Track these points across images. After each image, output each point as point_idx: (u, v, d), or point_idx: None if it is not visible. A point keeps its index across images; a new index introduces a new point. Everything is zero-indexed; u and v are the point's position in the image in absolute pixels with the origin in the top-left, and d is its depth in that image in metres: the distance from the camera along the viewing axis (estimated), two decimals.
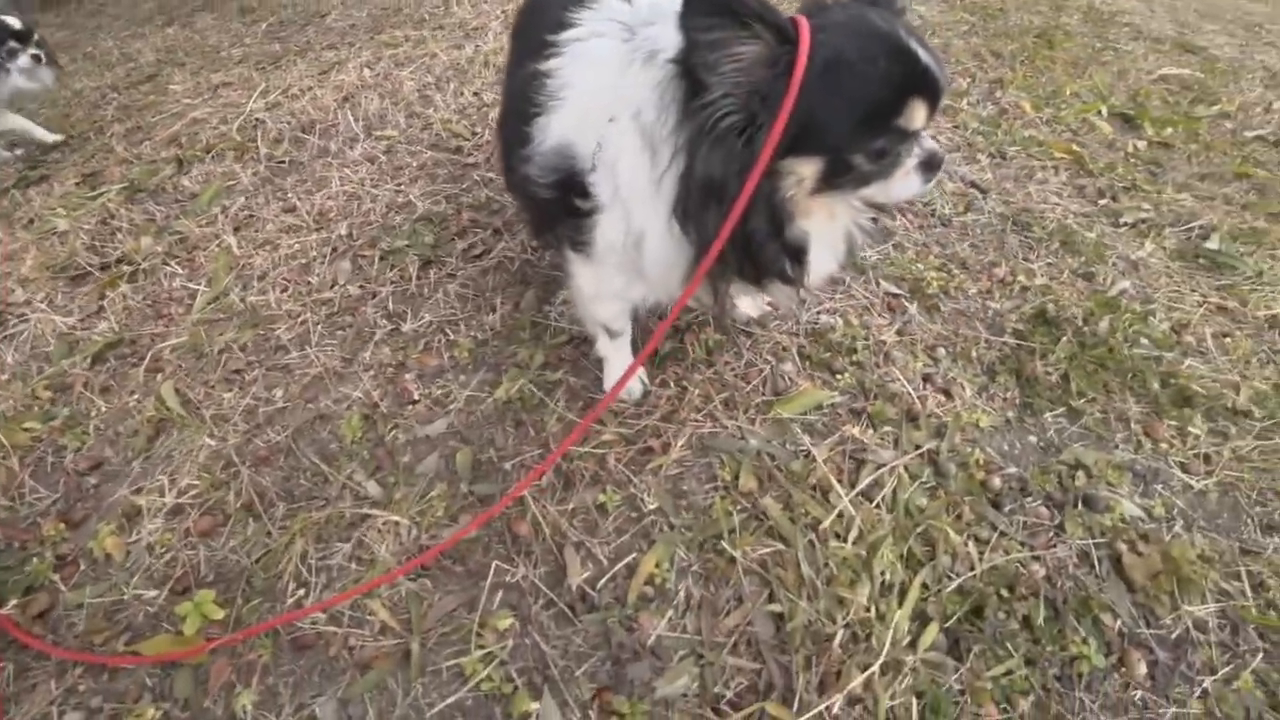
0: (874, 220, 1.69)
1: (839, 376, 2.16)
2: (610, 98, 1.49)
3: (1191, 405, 2.14)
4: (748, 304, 2.25)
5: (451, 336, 2.25)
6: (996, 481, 1.92)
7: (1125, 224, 2.86)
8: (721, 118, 1.27)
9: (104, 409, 2.30)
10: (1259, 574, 1.79)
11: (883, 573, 1.70)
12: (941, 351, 2.26)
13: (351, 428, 2.00)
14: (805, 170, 1.34)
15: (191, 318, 2.59)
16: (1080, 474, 1.96)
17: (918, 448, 1.98)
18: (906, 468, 1.92)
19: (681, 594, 1.65)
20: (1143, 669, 1.61)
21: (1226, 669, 1.63)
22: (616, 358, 2.01)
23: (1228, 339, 2.38)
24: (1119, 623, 1.68)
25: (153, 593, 1.76)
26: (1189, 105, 3.72)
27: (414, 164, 3.19)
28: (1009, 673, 1.57)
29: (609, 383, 2.03)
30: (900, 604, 1.65)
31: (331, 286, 2.54)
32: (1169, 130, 3.46)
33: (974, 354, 2.26)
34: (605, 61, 1.53)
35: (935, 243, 2.68)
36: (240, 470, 1.98)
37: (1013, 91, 3.68)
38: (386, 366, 2.19)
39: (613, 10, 1.62)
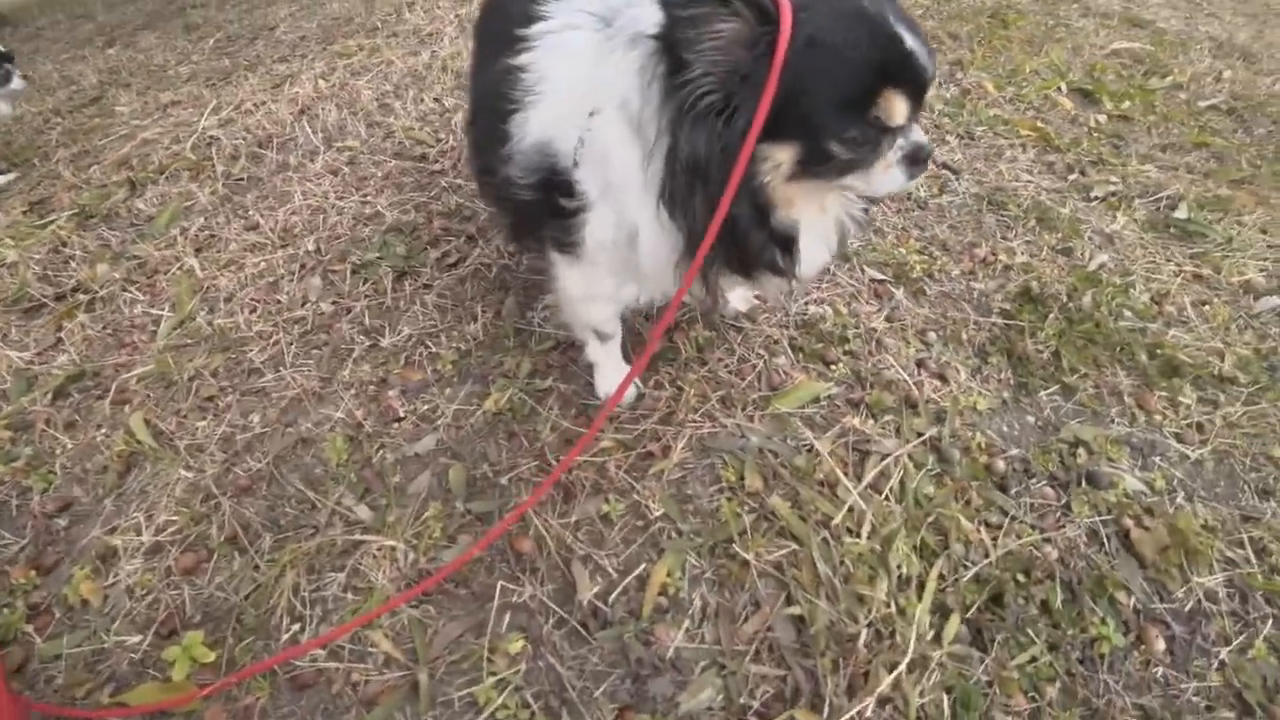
0: (865, 211, 1.62)
1: (833, 367, 2.10)
2: (590, 89, 1.41)
3: (1180, 375, 2.12)
4: (738, 298, 2.18)
5: (433, 349, 2.14)
6: (1000, 464, 1.88)
7: (1096, 198, 2.84)
8: (701, 96, 1.20)
9: (70, 446, 2.16)
10: (1260, 539, 1.77)
11: (899, 566, 1.64)
12: (932, 336, 2.22)
13: (336, 450, 1.89)
14: (781, 155, 1.28)
15: (157, 345, 2.45)
16: (1081, 451, 1.92)
17: (919, 435, 1.93)
18: (911, 456, 1.87)
19: (697, 602, 1.57)
20: (1161, 645, 1.58)
21: (1240, 639, 1.61)
22: (607, 362, 1.93)
23: (1206, 306, 2.37)
24: (1134, 600, 1.64)
25: (136, 638, 1.64)
26: (1143, 78, 3.73)
27: (379, 174, 3.07)
28: (1033, 660, 1.52)
29: (601, 388, 1.94)
30: (919, 597, 1.59)
31: (303, 304, 2.42)
32: (1126, 104, 3.47)
33: (964, 336, 2.22)
34: (582, 53, 1.45)
35: (914, 226, 2.63)
36: (221, 502, 1.86)
37: (973, 72, 3.66)
38: (368, 384, 2.08)
39: (584, 1, 1.54)
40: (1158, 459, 1.92)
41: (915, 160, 1.32)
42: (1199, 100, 3.56)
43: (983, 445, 1.92)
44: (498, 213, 1.79)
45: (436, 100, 3.61)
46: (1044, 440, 1.97)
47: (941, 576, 1.64)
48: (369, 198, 2.91)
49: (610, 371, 1.94)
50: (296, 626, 1.60)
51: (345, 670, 1.52)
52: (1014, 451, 1.91)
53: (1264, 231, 2.67)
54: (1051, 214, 2.71)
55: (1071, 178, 2.95)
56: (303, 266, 2.61)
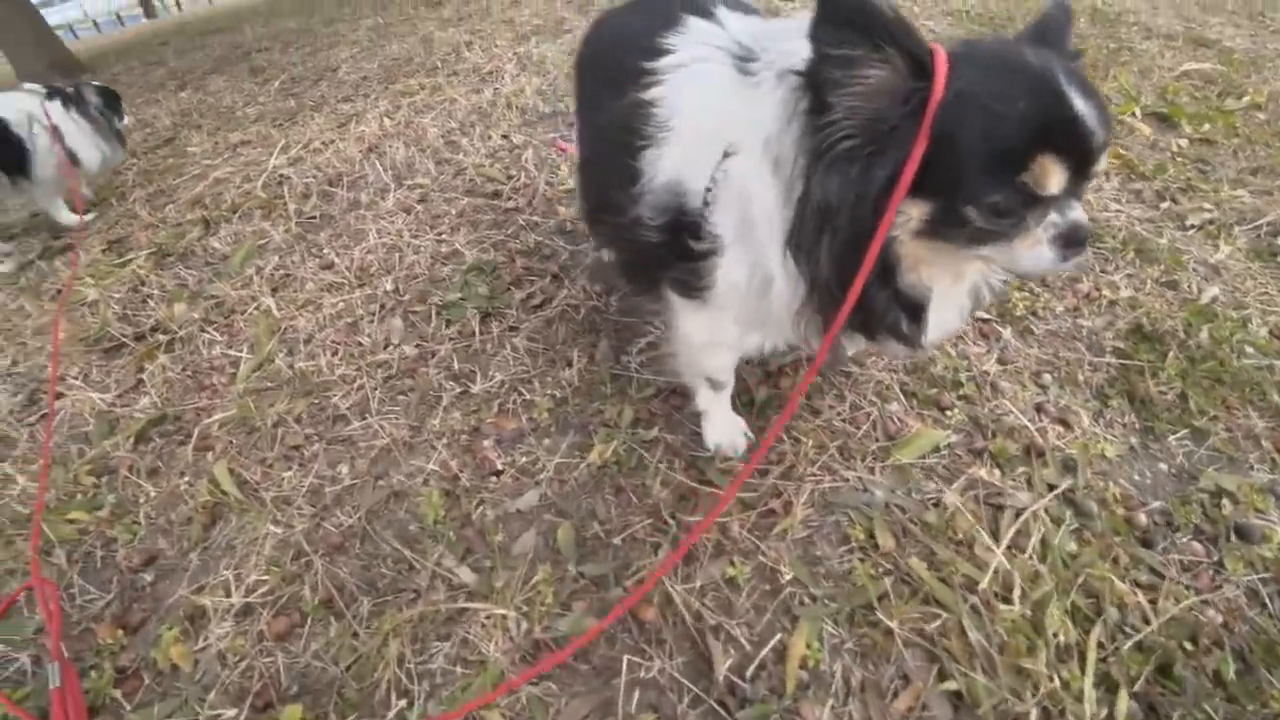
0: (1005, 282, 1.42)
1: (948, 413, 1.90)
2: (724, 126, 1.25)
3: None
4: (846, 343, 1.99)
5: (527, 395, 1.97)
6: (1142, 518, 1.66)
7: (1192, 226, 2.62)
8: (838, 140, 1.03)
9: (153, 494, 2.02)
10: None
11: (1055, 634, 1.43)
12: (1048, 378, 2.01)
13: (432, 505, 1.72)
14: (910, 210, 1.08)
15: (237, 388, 2.31)
16: (1225, 501, 1.70)
17: (1050, 487, 1.72)
18: (1047, 510, 1.66)
19: (839, 676, 1.37)
20: None
21: None
22: (718, 411, 1.75)
23: None
24: None
25: (231, 711, 1.48)
26: (1218, 99, 3.50)
27: (452, 211, 2.93)
28: None
29: (711, 438, 1.76)
30: (1081, 669, 1.38)
31: (385, 347, 2.27)
32: (1207, 126, 3.24)
33: (1081, 378, 2.01)
34: (715, 88, 1.29)
35: None
36: (313, 560, 1.70)
37: None
38: (459, 433, 1.91)
39: (708, 34, 1.38)
40: None
41: (1070, 241, 1.07)
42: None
43: (1118, 496, 1.71)
44: (614, 254, 1.62)
45: (504, 137, 3.48)
46: (1182, 490, 1.75)
47: (1100, 645, 1.43)
48: (445, 236, 2.77)
49: (720, 421, 1.76)
50: (403, 703, 1.42)
51: None
52: (1155, 504, 1.70)
53: None
54: (1150, 245, 2.49)
55: (1163, 206, 2.73)
56: (382, 307, 2.46)
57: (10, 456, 2.28)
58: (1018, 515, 1.64)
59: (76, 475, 2.13)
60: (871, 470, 1.74)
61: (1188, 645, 1.44)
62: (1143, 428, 1.89)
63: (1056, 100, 0.98)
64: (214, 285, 2.86)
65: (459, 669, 1.45)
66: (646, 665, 1.40)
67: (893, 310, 1.22)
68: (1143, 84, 3.64)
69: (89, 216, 3.87)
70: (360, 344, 2.32)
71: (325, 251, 2.91)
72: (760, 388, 1.92)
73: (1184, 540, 1.64)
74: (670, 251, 1.39)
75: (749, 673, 1.38)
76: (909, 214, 1.09)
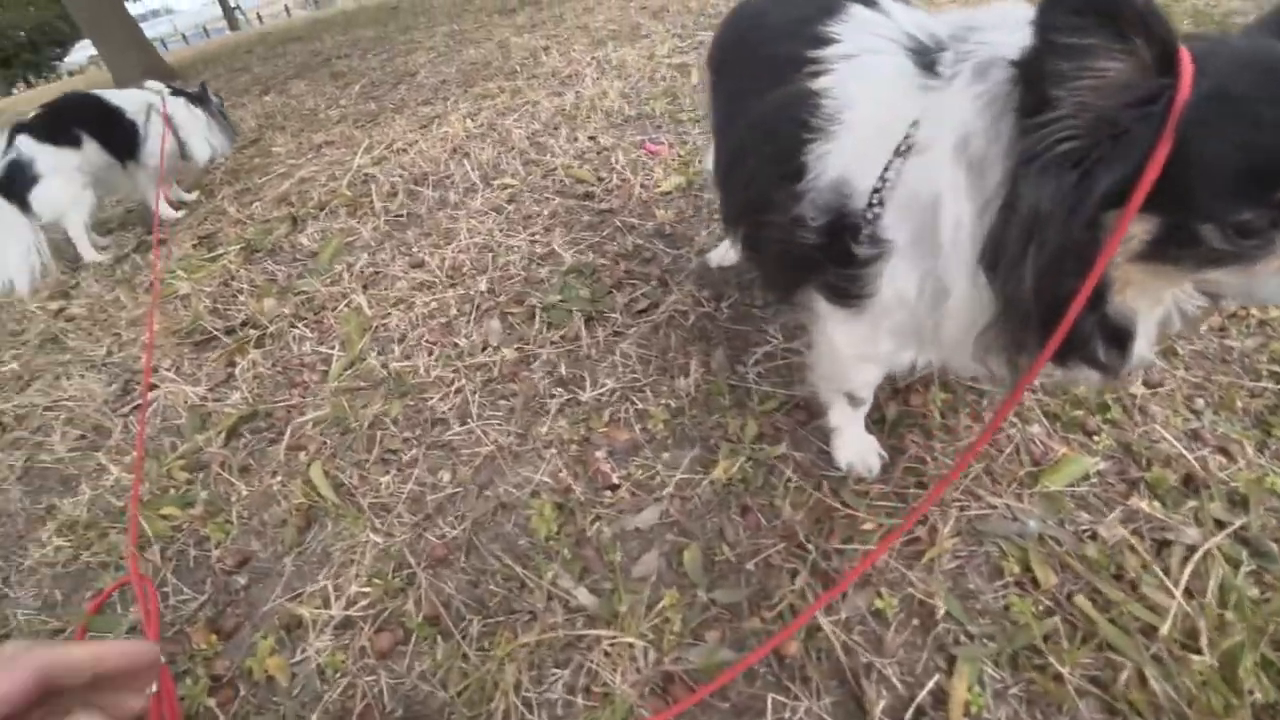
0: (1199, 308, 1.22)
1: (1095, 438, 1.70)
2: (903, 122, 1.08)
3: None
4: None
5: (639, 405, 1.82)
6: None
7: None
8: (1057, 141, 0.85)
9: (245, 493, 1.92)
10: None
11: (1250, 691, 1.23)
12: (1200, 402, 1.79)
13: (544, 519, 1.58)
14: (1133, 228, 0.90)
15: (329, 386, 2.21)
16: None
17: (1219, 523, 1.51)
18: (1220, 549, 1.45)
19: None
20: None
21: None
22: (851, 429, 1.58)
23: None
24: None
25: None
26: None
27: (544, 212, 2.80)
28: None
29: (842, 457, 1.59)
30: None
31: (484, 349, 2.14)
32: None
33: (1238, 404, 1.79)
34: (892, 81, 1.12)
35: None
36: (416, 573, 1.57)
37: None
38: (569, 443, 1.77)
39: (876, 24, 1.22)
40: None
41: None
42: None
43: None
44: (757, 256, 1.47)
45: (592, 139, 3.35)
46: None
47: None
48: (538, 236, 2.64)
49: (853, 439, 1.59)
50: None
51: None
52: None
53: None
54: None
55: None
56: (477, 308, 2.34)
57: (105, 446, 2.21)
58: (1189, 554, 1.44)
59: (169, 470, 2.04)
60: (1019, 497, 1.55)
61: None
62: None
63: None
64: (304, 281, 2.78)
65: (580, 699, 1.30)
66: (792, 706, 1.23)
67: (1095, 338, 1.04)
68: None
69: (180, 214, 3.87)
70: (457, 345, 2.19)
71: (415, 250, 2.80)
72: (890, 404, 1.74)
73: None
74: (827, 255, 1.23)
75: (907, 717, 1.20)
76: (1130, 233, 0.91)
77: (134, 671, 0.61)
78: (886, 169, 1.11)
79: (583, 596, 1.43)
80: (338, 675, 1.44)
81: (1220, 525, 1.51)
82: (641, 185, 2.81)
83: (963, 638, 1.31)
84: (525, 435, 1.82)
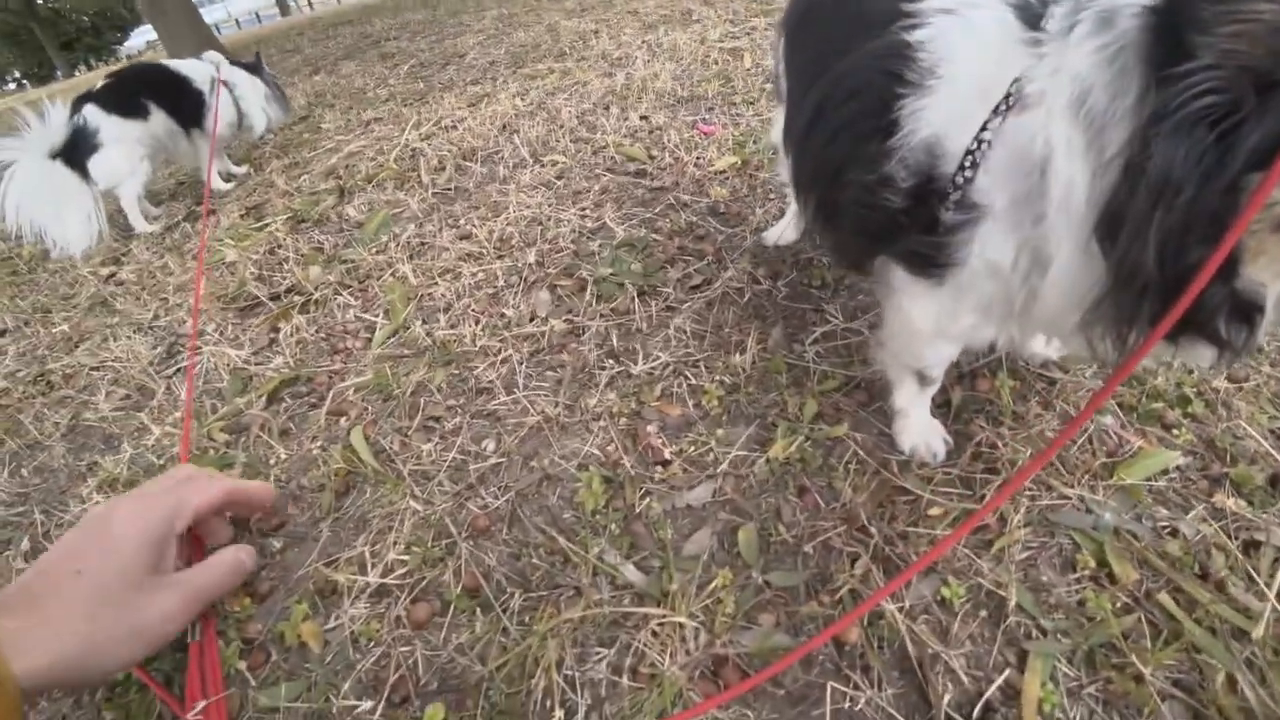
0: None
1: (1174, 432, 1.58)
2: (1007, 78, 0.98)
3: None
4: (1040, 343, 1.69)
5: (693, 380, 1.73)
6: None
7: None
8: (1196, 96, 0.75)
9: (284, 456, 1.88)
10: None
11: None
12: None
13: (592, 493, 1.50)
14: (1278, 192, 0.79)
15: (372, 353, 2.16)
16: None
17: None
18: None
19: None
20: None
21: None
22: (916, 412, 1.48)
23: None
24: None
25: (366, 704, 1.28)
26: None
27: (595, 188, 2.73)
28: None
29: (905, 441, 1.49)
30: None
31: (531, 320, 2.08)
32: None
33: None
34: (997, 34, 1.02)
35: None
36: (456, 543, 1.50)
37: None
38: (618, 415, 1.69)
39: None
40: None
41: None
42: None
43: None
44: (829, 223, 1.37)
45: (643, 118, 3.27)
46: None
47: None
48: (588, 211, 2.57)
49: (918, 422, 1.49)
50: (560, 713, 1.20)
51: None
52: None
53: None
54: None
55: None
56: (525, 279, 2.27)
57: (148, 406, 2.18)
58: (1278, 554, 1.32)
59: (209, 431, 2.00)
60: (1093, 489, 1.44)
61: None
62: None
63: None
64: (350, 250, 2.74)
65: (626, 680, 1.21)
66: (852, 696, 1.14)
67: (1221, 313, 0.93)
68: None
69: (229, 185, 3.87)
70: (504, 315, 2.13)
71: (462, 222, 2.75)
72: (955, 389, 1.64)
73: None
74: (911, 220, 1.14)
75: (975, 713, 1.10)
76: (1275, 197, 0.80)
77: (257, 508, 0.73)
78: (984, 128, 1.02)
79: (630, 573, 1.35)
80: (371, 644, 1.38)
81: None
82: (695, 164, 2.72)
83: (1035, 632, 1.21)
84: (573, 407, 1.74)
